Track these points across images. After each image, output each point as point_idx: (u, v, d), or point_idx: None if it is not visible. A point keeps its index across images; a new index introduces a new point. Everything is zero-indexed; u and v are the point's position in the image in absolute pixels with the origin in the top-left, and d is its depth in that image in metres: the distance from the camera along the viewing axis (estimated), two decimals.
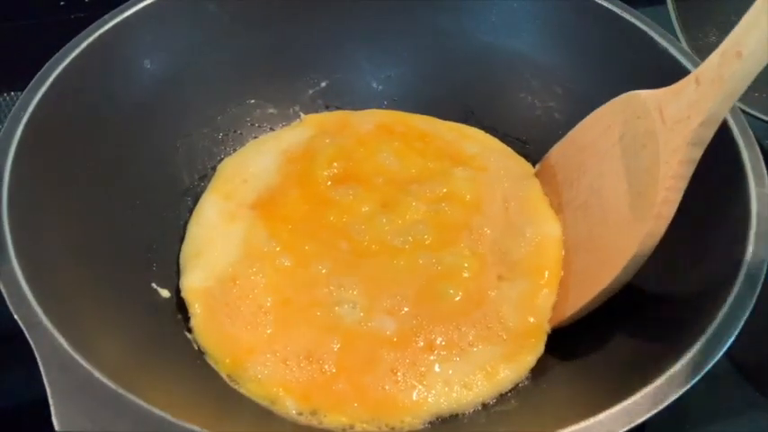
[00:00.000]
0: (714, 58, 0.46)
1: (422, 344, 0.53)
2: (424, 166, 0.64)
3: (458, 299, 0.56)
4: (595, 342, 0.53)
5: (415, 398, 0.51)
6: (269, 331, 0.54)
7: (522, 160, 0.67)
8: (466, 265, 0.57)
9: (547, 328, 0.55)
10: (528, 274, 0.57)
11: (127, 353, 0.47)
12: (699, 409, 0.39)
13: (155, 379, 0.47)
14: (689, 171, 0.48)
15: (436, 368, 0.52)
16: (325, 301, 0.55)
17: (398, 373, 0.52)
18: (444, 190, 0.62)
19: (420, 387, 0.52)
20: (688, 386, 0.41)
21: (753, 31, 0.43)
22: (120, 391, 0.40)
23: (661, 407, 0.40)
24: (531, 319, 0.55)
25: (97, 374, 0.40)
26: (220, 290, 0.56)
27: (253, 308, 0.55)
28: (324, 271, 0.57)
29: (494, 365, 0.53)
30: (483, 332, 0.54)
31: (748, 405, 0.57)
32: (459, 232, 0.59)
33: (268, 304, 0.55)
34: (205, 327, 0.55)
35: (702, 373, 0.41)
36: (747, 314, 0.43)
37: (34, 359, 0.40)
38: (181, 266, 0.59)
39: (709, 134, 0.47)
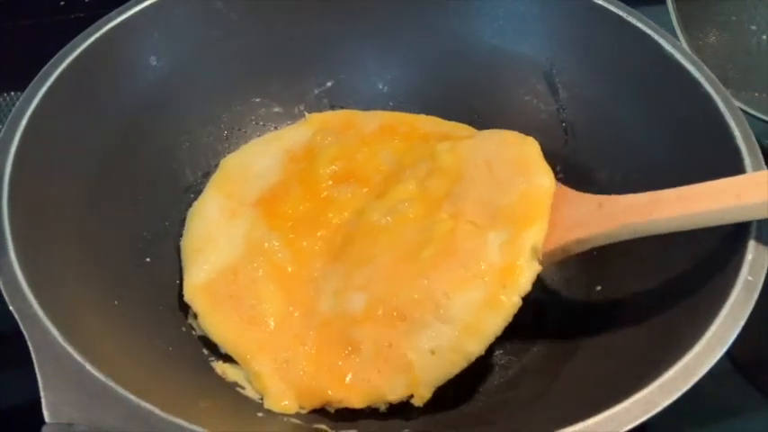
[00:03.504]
0: (626, 201, 0.49)
1: (394, 315, 0.51)
2: (416, 155, 0.62)
3: (430, 254, 0.52)
4: (595, 343, 0.53)
5: (405, 381, 0.51)
6: (269, 328, 0.54)
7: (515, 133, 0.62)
8: (443, 225, 0.54)
9: (532, 263, 0.51)
10: (514, 222, 0.52)
11: (122, 346, 0.48)
12: (699, 409, 0.39)
13: (149, 373, 0.47)
14: (545, 263, 0.51)
15: (418, 348, 0.50)
16: (314, 295, 0.55)
17: (380, 361, 0.51)
18: (429, 166, 0.59)
19: (407, 368, 0.51)
20: (682, 392, 0.40)
21: (668, 208, 0.46)
22: (111, 384, 0.40)
23: (653, 413, 0.40)
24: (516, 257, 0.50)
25: (89, 367, 0.40)
26: (222, 284, 0.56)
27: (253, 303, 0.55)
28: (318, 266, 0.57)
29: (476, 316, 0.50)
30: (459, 276, 0.51)
31: (748, 405, 0.57)
32: (441, 202, 0.56)
33: (267, 303, 0.55)
34: (206, 322, 0.55)
35: (696, 380, 0.41)
36: (744, 320, 0.43)
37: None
38: (183, 262, 0.59)
39: (580, 249, 0.50)
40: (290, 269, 0.57)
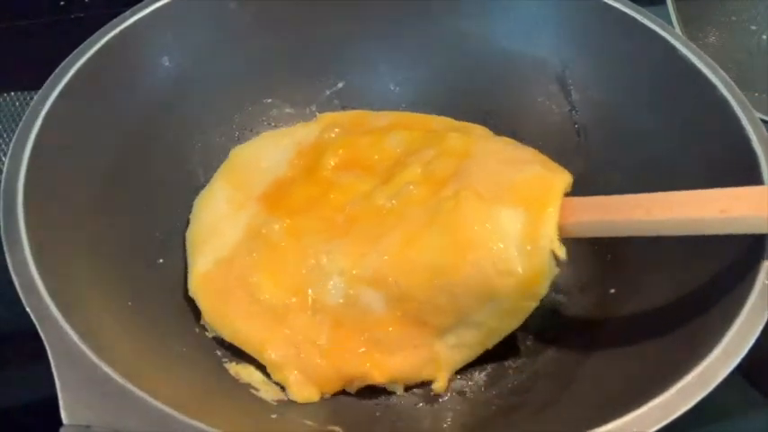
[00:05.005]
0: (630, 198, 0.49)
1: (419, 323, 0.52)
2: (425, 139, 0.61)
3: (445, 245, 0.51)
4: (609, 347, 0.54)
5: (430, 368, 0.53)
6: (270, 323, 0.54)
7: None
8: (447, 204, 0.53)
9: (552, 267, 0.50)
10: (525, 200, 0.51)
11: (136, 348, 0.48)
12: (699, 409, 0.39)
13: (164, 374, 0.47)
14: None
15: (442, 342, 0.53)
16: (314, 279, 0.54)
17: (410, 357, 0.53)
18: (436, 150, 0.58)
19: (433, 359, 0.53)
20: (701, 396, 0.40)
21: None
22: (128, 385, 0.40)
23: (672, 417, 0.39)
24: (537, 263, 0.50)
25: (106, 368, 0.40)
26: (219, 277, 0.56)
27: (248, 297, 0.55)
28: (317, 241, 0.55)
29: (498, 321, 0.52)
30: (481, 288, 0.50)
31: (748, 405, 0.57)
32: (448, 181, 0.55)
33: (266, 293, 0.54)
34: (209, 318, 0.55)
35: (716, 384, 0.41)
36: (763, 324, 0.43)
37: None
38: (188, 253, 0.59)
39: (577, 235, 0.51)
40: (285, 247, 0.55)
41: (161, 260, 0.58)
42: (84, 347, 0.41)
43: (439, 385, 0.54)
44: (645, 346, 0.50)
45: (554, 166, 0.56)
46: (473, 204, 0.52)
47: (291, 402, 0.53)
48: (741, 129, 0.52)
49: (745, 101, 0.53)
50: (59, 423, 0.38)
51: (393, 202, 0.55)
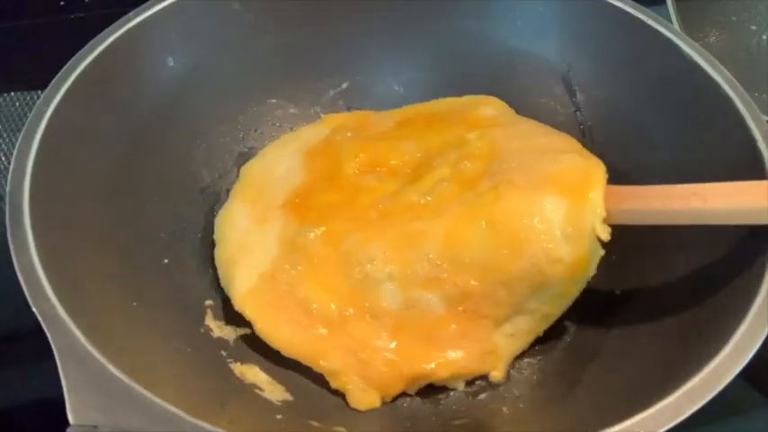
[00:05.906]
0: (666, 188, 0.51)
1: (478, 317, 0.53)
2: (443, 142, 0.61)
3: (493, 239, 0.52)
4: (616, 348, 0.54)
5: (490, 360, 0.54)
6: (325, 331, 0.54)
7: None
8: (487, 197, 0.53)
9: (597, 250, 0.52)
10: (567, 189, 0.52)
11: (142, 348, 0.48)
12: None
13: (169, 374, 0.47)
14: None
15: (499, 332, 0.54)
16: (366, 284, 0.54)
17: (472, 353, 0.54)
18: (459, 153, 0.59)
19: (493, 351, 0.54)
20: (710, 397, 0.40)
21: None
22: (135, 386, 0.40)
23: (681, 418, 0.39)
24: (584, 248, 0.51)
25: (112, 369, 0.40)
26: (264, 291, 0.55)
27: (298, 307, 0.55)
28: (356, 245, 0.55)
29: (551, 306, 0.54)
30: (534, 278, 0.52)
31: (748, 405, 0.57)
32: (480, 178, 0.55)
33: (317, 303, 0.54)
34: (261, 331, 0.55)
35: (725, 385, 0.41)
36: None
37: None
38: (222, 274, 0.58)
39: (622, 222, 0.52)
40: (325, 256, 0.55)
41: (166, 260, 0.58)
42: (90, 347, 0.41)
43: (497, 375, 0.54)
44: (651, 346, 0.50)
45: (588, 153, 0.57)
46: (514, 195, 0.52)
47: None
48: (746, 128, 0.52)
49: (749, 100, 0.54)
50: (65, 423, 0.38)
51: (428, 198, 0.56)
